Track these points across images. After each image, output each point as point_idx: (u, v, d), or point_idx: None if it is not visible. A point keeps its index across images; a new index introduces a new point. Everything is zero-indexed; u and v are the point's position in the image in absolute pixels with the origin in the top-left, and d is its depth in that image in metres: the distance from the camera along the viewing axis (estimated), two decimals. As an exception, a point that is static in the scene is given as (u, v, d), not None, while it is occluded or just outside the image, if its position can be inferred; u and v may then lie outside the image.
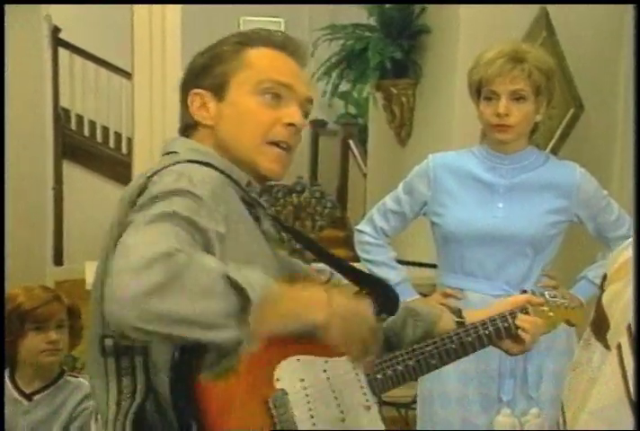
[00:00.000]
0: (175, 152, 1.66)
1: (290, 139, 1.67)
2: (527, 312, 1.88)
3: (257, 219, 1.65)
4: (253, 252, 1.59)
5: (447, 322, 1.82)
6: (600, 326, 0.92)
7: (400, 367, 1.71)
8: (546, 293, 2.06)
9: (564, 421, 0.94)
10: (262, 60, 1.67)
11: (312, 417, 1.56)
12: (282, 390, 1.52)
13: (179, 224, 1.37)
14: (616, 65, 4.27)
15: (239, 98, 1.65)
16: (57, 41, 7.91)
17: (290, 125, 1.65)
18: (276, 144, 1.66)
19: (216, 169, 1.57)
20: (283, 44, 1.70)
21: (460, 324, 1.81)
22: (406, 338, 1.79)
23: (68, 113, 8.41)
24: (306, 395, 1.56)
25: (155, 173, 1.52)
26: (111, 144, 8.63)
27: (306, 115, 1.72)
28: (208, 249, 1.41)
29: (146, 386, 1.48)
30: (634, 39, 2.04)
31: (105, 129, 8.62)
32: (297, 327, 1.47)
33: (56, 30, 7.80)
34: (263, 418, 1.50)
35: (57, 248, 7.84)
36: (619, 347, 0.89)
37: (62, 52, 8.05)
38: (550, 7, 4.15)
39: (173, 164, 1.54)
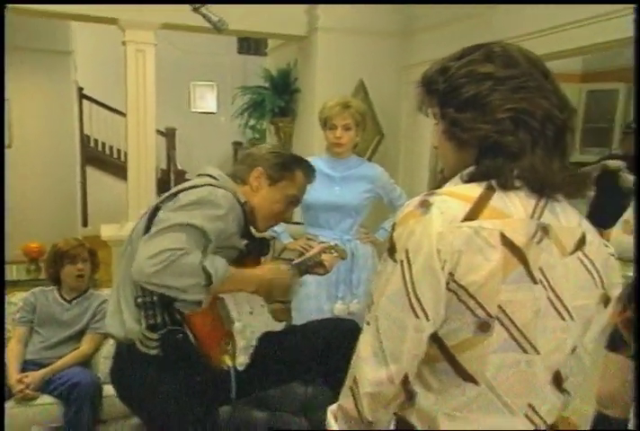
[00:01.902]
0: (214, 177, 1.65)
1: (279, 222, 1.84)
2: (325, 252, 1.97)
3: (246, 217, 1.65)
4: (235, 239, 1.60)
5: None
6: (392, 250, 0.91)
7: None
8: (332, 242, 2.16)
9: (373, 301, 0.93)
10: (300, 182, 1.74)
11: (238, 313, 1.59)
12: (222, 298, 1.56)
13: (187, 231, 1.39)
14: (399, 112, 4.34)
15: (278, 194, 1.70)
16: (81, 96, 7.56)
17: (285, 218, 1.79)
18: (273, 223, 1.78)
19: (233, 195, 1.57)
20: (311, 177, 1.81)
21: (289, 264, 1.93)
22: None
23: (89, 137, 8.05)
24: (234, 300, 1.59)
25: (197, 186, 1.53)
26: (115, 155, 8.28)
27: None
28: (207, 244, 1.44)
29: (165, 321, 1.47)
30: (634, 38, 2.11)
31: (111, 147, 8.28)
32: (238, 291, 1.57)
33: (80, 89, 7.44)
34: (220, 318, 1.56)
35: (84, 216, 7.56)
36: (401, 261, 0.88)
37: (85, 102, 7.69)
38: (365, 80, 4.18)
39: (217, 187, 1.54)
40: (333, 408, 1.02)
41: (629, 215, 2.10)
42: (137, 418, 2.53)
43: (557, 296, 0.92)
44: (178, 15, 3.58)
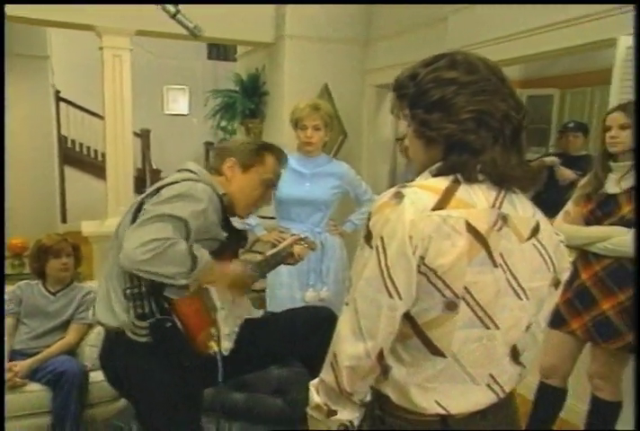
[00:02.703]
0: (193, 171, 1.62)
1: (259, 207, 1.74)
2: (297, 244, 1.97)
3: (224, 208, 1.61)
4: (216, 230, 1.57)
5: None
6: (368, 237, 0.91)
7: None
8: (301, 235, 2.13)
9: (351, 283, 0.94)
10: (271, 166, 1.69)
11: (221, 301, 1.57)
12: (207, 288, 1.55)
13: (172, 222, 1.38)
14: (361, 114, 4.38)
15: (252, 179, 1.66)
16: (58, 98, 7.38)
17: (264, 201, 1.71)
18: (253, 209, 1.72)
19: (210, 186, 1.54)
20: (283, 161, 1.74)
21: (263, 256, 1.89)
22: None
23: (66, 138, 7.83)
24: (217, 289, 1.57)
25: (178, 181, 1.50)
26: (92, 155, 8.08)
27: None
28: (188, 234, 1.42)
29: (152, 310, 1.45)
30: (634, 38, 2.03)
31: (88, 147, 8.07)
32: (212, 281, 1.53)
33: (57, 92, 7.27)
34: (205, 307, 1.54)
35: (63, 213, 7.40)
36: (377, 247, 0.89)
37: (62, 104, 7.50)
38: (329, 84, 4.20)
39: (196, 181, 1.51)
40: (314, 382, 1.04)
41: (569, 206, 2.17)
42: (123, 401, 2.51)
43: (515, 278, 0.95)
44: (153, 22, 3.51)
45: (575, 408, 2.47)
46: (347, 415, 1.00)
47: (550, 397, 2.25)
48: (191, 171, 1.61)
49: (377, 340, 0.92)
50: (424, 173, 0.98)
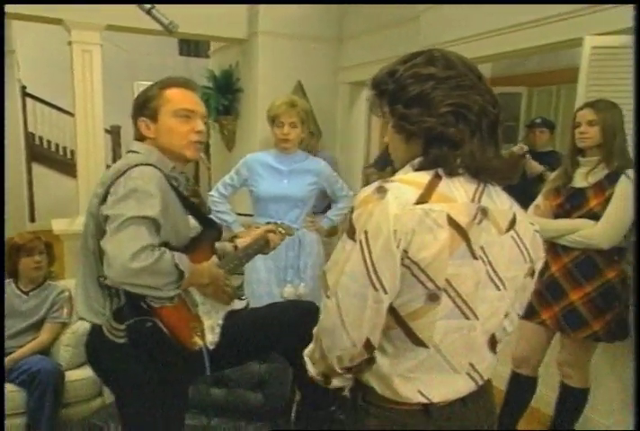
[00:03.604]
0: (136, 151, 1.53)
1: (200, 138, 1.57)
2: (272, 232, 1.91)
3: (176, 189, 1.53)
4: (177, 217, 1.49)
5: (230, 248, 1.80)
6: (351, 231, 0.92)
7: (227, 267, 1.66)
8: (279, 222, 2.09)
9: (331, 275, 0.93)
10: (175, 96, 1.55)
11: (200, 295, 1.54)
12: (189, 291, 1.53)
13: (145, 224, 1.31)
14: (335, 111, 4.40)
15: (166, 121, 1.53)
16: (25, 94, 7.20)
17: (198, 131, 1.56)
18: (193, 142, 1.56)
19: (154, 167, 1.44)
20: (184, 84, 1.59)
21: (235, 247, 1.79)
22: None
23: (33, 135, 7.66)
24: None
25: (123, 173, 1.39)
26: (60, 152, 7.89)
27: (204, 123, 1.61)
28: (159, 228, 1.35)
29: (130, 307, 1.41)
30: (634, 38, 2.01)
31: (57, 145, 7.89)
32: (196, 284, 1.49)
33: (23, 88, 7.11)
34: (188, 312, 1.51)
35: (31, 212, 7.24)
36: (361, 241, 0.90)
37: (28, 100, 7.33)
38: (303, 81, 4.20)
39: (135, 166, 1.41)
40: (307, 352, 1.05)
41: (539, 200, 2.23)
42: (100, 400, 2.48)
43: (494, 270, 0.97)
44: (124, 17, 3.46)
45: (545, 396, 2.53)
46: (342, 382, 1.04)
47: (522, 386, 2.31)
48: (136, 152, 1.54)
49: (361, 331, 0.93)
50: (405, 168, 0.99)
